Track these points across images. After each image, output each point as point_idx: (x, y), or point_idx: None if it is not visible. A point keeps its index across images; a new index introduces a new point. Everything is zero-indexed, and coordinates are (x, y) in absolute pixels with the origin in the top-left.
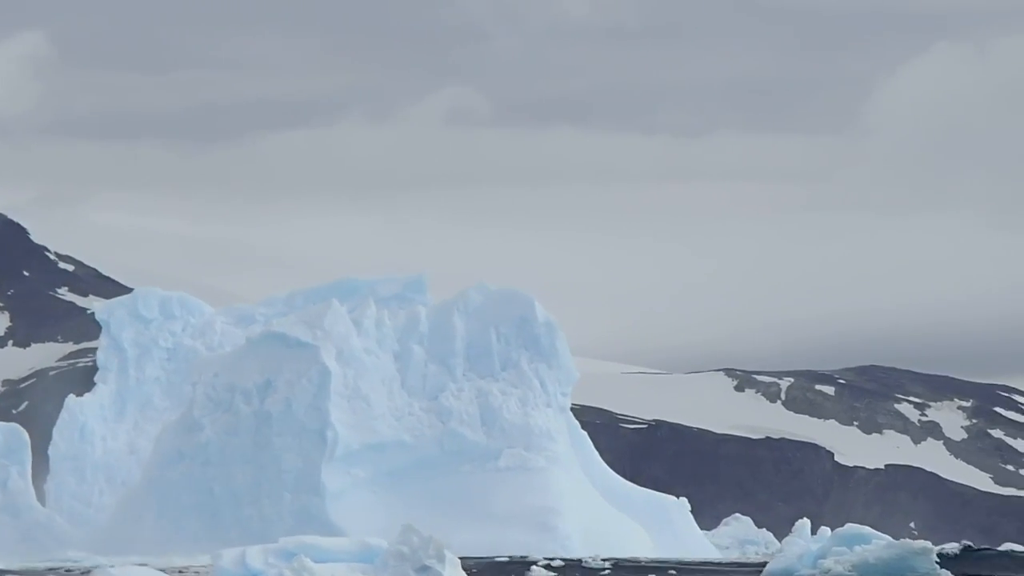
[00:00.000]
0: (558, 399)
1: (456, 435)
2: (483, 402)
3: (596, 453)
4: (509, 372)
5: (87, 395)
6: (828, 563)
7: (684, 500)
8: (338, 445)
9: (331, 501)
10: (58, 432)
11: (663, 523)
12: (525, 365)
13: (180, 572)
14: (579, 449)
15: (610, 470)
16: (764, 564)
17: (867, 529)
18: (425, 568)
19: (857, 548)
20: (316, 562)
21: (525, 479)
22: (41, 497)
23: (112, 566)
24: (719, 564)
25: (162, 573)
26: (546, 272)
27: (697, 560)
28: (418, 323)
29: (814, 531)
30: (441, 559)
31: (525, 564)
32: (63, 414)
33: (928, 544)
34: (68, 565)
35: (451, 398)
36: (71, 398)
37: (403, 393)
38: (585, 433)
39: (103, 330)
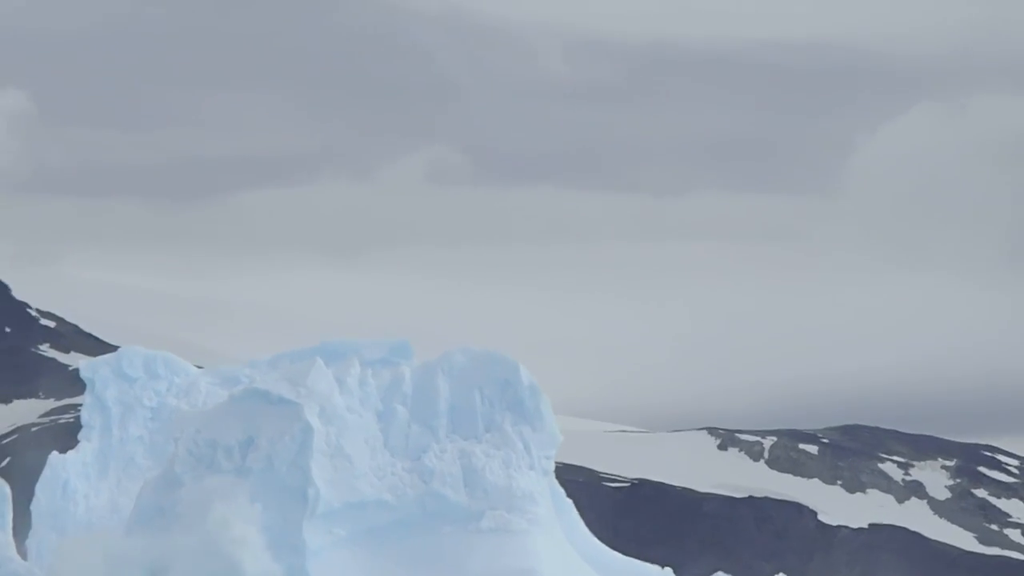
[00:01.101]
0: (541, 462)
1: (438, 496)
2: (466, 463)
3: (579, 518)
4: (493, 434)
5: (70, 452)
6: None
7: (669, 570)
8: (319, 503)
9: (311, 559)
10: (40, 488)
11: None
12: (509, 427)
13: None
14: (562, 514)
15: (593, 536)
16: None
17: None
18: None
19: None
20: None
21: (506, 541)
22: (22, 554)
23: None
24: None
25: None
26: (527, 329)
27: None
28: (402, 383)
29: None
30: None
31: None
32: (46, 471)
33: None
34: None
35: (434, 459)
36: (54, 455)
37: (385, 453)
38: (569, 500)
39: (87, 388)
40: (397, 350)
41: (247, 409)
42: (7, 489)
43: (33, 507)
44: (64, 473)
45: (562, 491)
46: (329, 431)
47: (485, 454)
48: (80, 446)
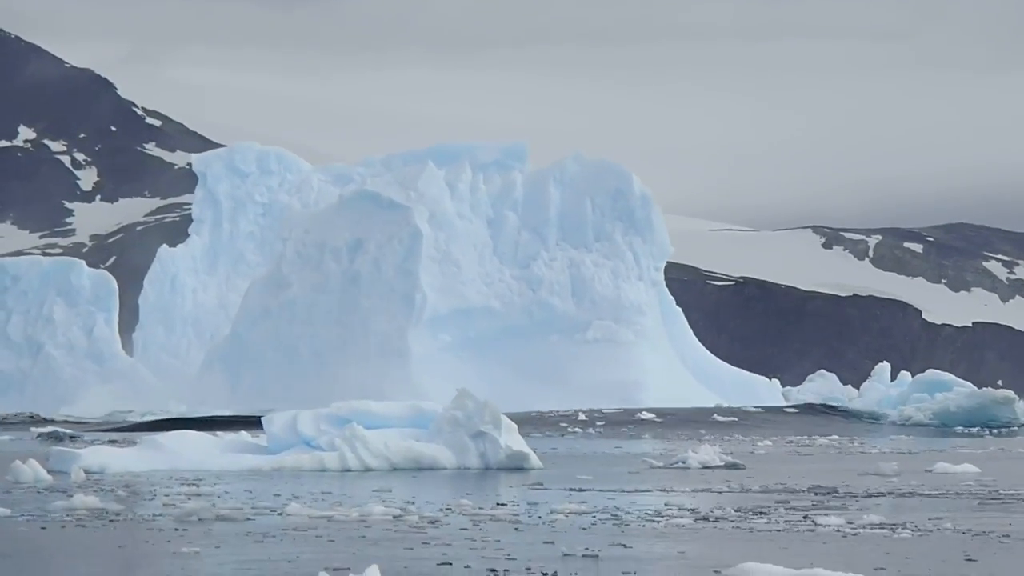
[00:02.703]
0: (651, 273)
1: (546, 304)
2: (575, 273)
3: (688, 328)
4: (602, 244)
5: (180, 246)
6: (908, 410)
7: (776, 381)
8: (426, 309)
9: (416, 365)
10: (149, 282)
11: (752, 402)
12: (619, 237)
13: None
14: (671, 325)
15: (702, 346)
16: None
17: (948, 376)
18: (480, 434)
19: (938, 395)
20: (369, 428)
21: (612, 352)
22: (128, 348)
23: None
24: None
25: (211, 436)
26: (637, 129)
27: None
28: (513, 190)
29: (894, 377)
30: (497, 425)
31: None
32: (155, 264)
33: (1011, 393)
34: (150, 417)
35: (543, 267)
36: (164, 249)
37: (494, 259)
38: (679, 309)
39: (199, 182)
40: (511, 152)
41: (356, 211)
42: (114, 283)
43: (141, 300)
44: (173, 267)
45: (671, 299)
46: (439, 236)
47: (594, 263)
48: (189, 241)
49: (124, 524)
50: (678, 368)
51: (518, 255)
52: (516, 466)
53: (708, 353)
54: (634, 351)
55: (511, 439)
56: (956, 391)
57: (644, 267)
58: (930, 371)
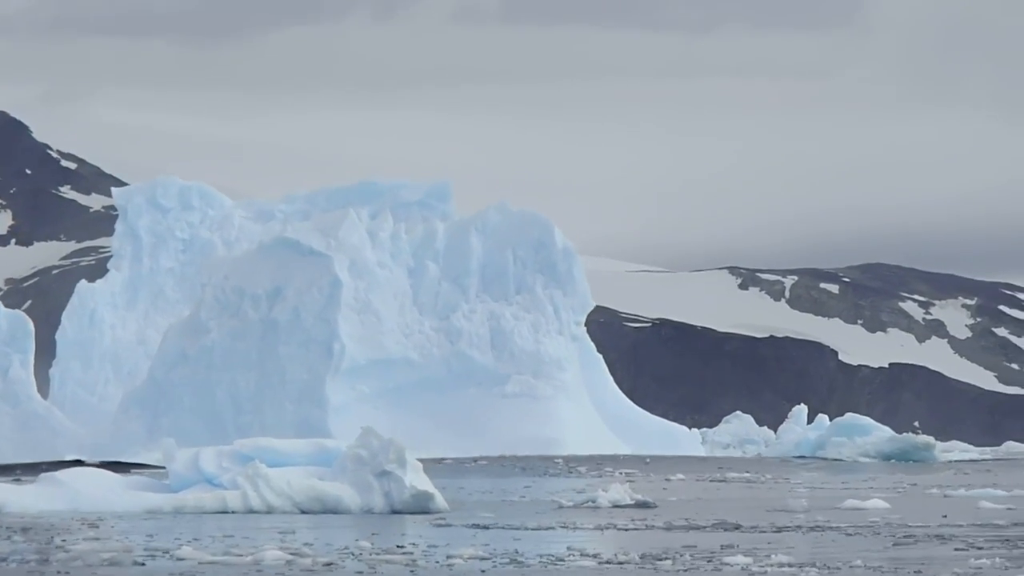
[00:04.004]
0: (571, 328)
1: (464, 357)
2: (494, 325)
3: (610, 377)
4: (523, 296)
5: (99, 282)
6: (827, 455)
7: (696, 432)
8: (344, 358)
9: (333, 414)
10: (67, 317)
11: (672, 452)
12: (540, 290)
13: (133, 472)
14: (591, 373)
15: (623, 396)
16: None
17: (867, 420)
18: (385, 473)
19: (858, 439)
20: (272, 465)
21: (530, 406)
22: (45, 384)
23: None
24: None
25: (113, 474)
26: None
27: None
28: (435, 239)
29: (811, 419)
30: (402, 463)
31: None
32: (73, 299)
33: (931, 439)
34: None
35: (462, 319)
36: (82, 284)
37: (414, 310)
38: (600, 356)
39: (119, 216)
40: (435, 192)
41: (276, 258)
42: (30, 324)
43: (59, 335)
44: (92, 302)
45: (592, 347)
46: (359, 285)
47: (515, 316)
48: (109, 276)
49: (7, 569)
50: (596, 423)
51: (438, 306)
52: (421, 507)
53: (628, 402)
54: (552, 406)
55: (416, 478)
56: (876, 435)
57: (564, 321)
58: (848, 415)
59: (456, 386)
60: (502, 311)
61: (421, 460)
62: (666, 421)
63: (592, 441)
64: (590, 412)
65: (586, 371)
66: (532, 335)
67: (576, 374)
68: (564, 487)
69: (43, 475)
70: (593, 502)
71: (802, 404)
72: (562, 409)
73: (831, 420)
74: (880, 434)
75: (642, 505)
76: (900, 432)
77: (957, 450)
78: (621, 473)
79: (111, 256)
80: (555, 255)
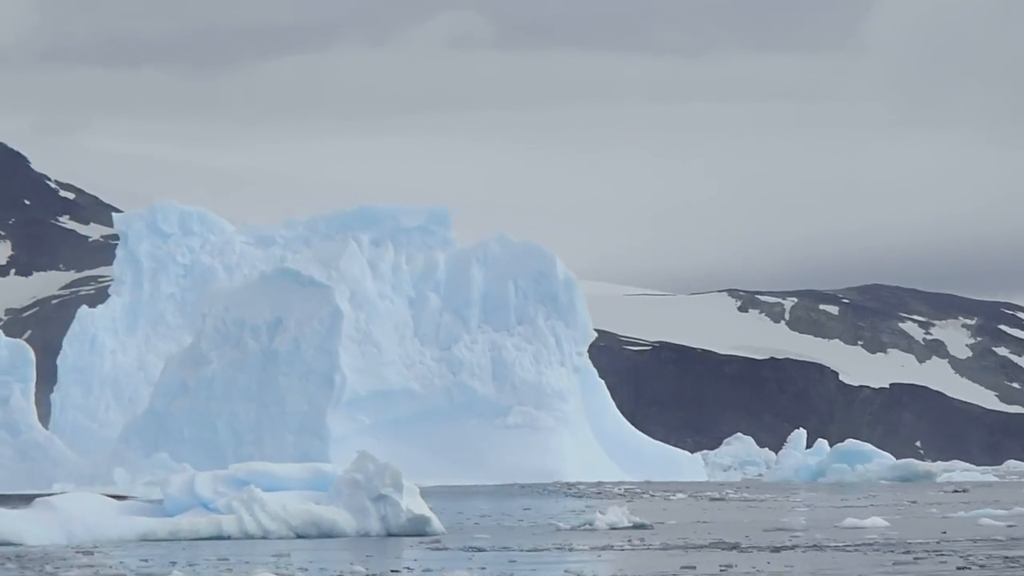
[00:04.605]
0: (572, 358)
1: (466, 388)
2: (496, 356)
3: (612, 404)
4: (525, 327)
5: (100, 307)
6: (827, 481)
7: (697, 455)
8: (345, 390)
9: (334, 446)
10: (68, 343)
11: (674, 478)
12: (541, 321)
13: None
14: (594, 400)
15: (625, 421)
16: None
17: (868, 446)
18: (381, 497)
19: (859, 467)
20: (267, 490)
21: (532, 438)
22: (45, 411)
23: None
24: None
25: (107, 499)
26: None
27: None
28: (436, 270)
29: (811, 443)
30: (398, 487)
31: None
32: (74, 325)
33: (933, 467)
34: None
35: (464, 350)
36: (83, 309)
37: (415, 341)
38: (602, 383)
39: (120, 242)
40: (434, 217)
41: (277, 288)
42: (31, 353)
43: (59, 361)
44: (92, 328)
45: (595, 372)
46: (359, 316)
47: (516, 347)
48: (110, 301)
49: None
50: (598, 453)
51: (439, 337)
52: (418, 531)
53: (631, 428)
54: (553, 437)
55: (412, 502)
56: (877, 462)
57: (566, 352)
58: (849, 440)
59: (458, 417)
60: (504, 342)
61: (423, 489)
62: (668, 446)
63: (593, 472)
64: (591, 443)
65: (588, 398)
66: (534, 366)
67: (577, 405)
68: (562, 509)
69: (37, 500)
70: (590, 524)
71: (801, 429)
72: (563, 440)
73: (832, 443)
74: (882, 461)
75: (639, 527)
76: (901, 454)
77: (958, 470)
78: (621, 489)
79: (110, 284)
80: (556, 286)
